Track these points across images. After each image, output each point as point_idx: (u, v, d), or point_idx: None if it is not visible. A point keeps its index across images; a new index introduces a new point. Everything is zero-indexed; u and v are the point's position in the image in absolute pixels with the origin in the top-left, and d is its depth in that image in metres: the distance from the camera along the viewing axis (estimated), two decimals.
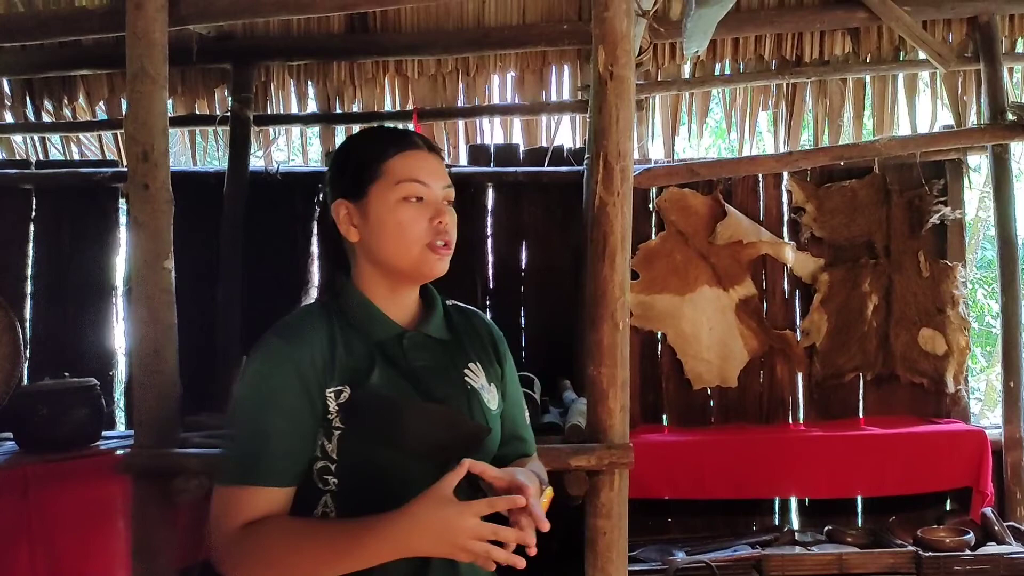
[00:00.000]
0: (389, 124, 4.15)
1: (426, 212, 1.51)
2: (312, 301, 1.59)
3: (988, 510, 3.73)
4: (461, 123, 4.29)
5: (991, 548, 3.54)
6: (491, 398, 1.59)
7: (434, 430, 1.45)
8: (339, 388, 1.42)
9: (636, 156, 3.88)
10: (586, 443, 2.60)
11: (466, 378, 1.56)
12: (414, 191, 1.50)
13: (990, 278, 8.02)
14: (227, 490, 1.39)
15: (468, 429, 1.50)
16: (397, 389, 1.46)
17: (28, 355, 3.87)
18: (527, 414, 1.79)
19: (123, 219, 4.14)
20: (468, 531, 1.28)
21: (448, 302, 1.67)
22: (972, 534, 3.56)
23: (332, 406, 1.41)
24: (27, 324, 4.05)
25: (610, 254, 2.62)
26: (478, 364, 1.61)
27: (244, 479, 1.38)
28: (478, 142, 4.28)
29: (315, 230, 4.11)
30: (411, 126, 3.87)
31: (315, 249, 4.13)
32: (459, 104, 4.22)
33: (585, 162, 3.95)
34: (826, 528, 3.79)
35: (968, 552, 3.47)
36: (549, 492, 1.49)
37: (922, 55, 4.01)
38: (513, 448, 1.68)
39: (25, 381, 3.67)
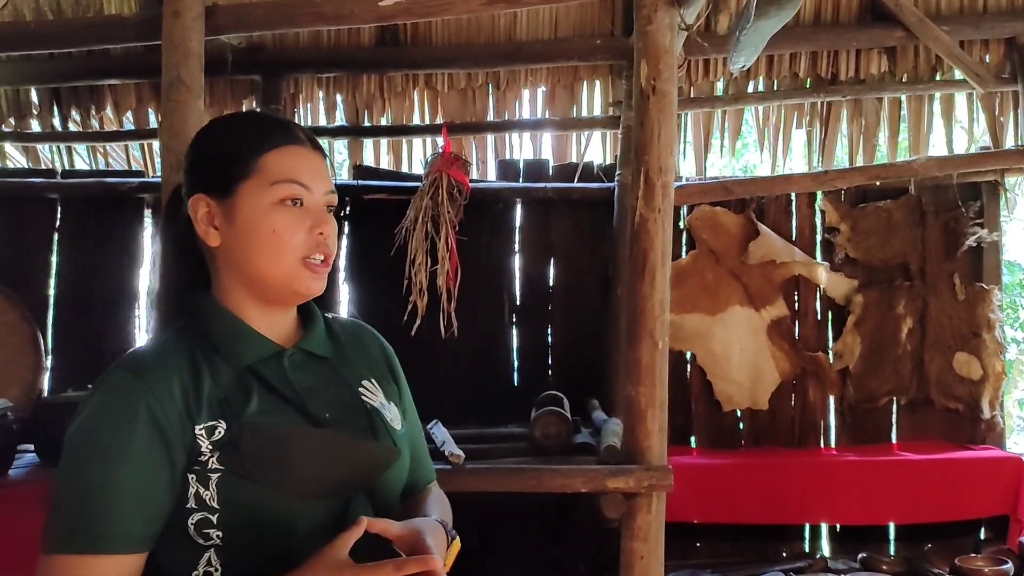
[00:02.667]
0: (420, 136, 4.22)
1: (305, 219, 1.28)
2: (159, 332, 1.34)
3: None
4: (490, 138, 4.25)
5: None
6: (394, 417, 1.39)
7: (332, 461, 1.24)
8: (211, 424, 1.19)
9: None
10: (624, 464, 2.55)
11: (363, 397, 1.35)
12: (293, 193, 1.27)
13: (1006, 303, 7.97)
14: (59, 560, 1.13)
15: (372, 455, 1.30)
16: (281, 417, 1.24)
17: (50, 365, 3.83)
18: (424, 436, 1.59)
19: (148, 230, 4.11)
20: None
21: (328, 314, 1.45)
22: (1010, 563, 3.47)
23: (205, 446, 1.18)
24: (49, 334, 4.01)
25: (650, 271, 2.59)
26: (373, 381, 1.40)
27: (82, 546, 1.12)
28: (507, 157, 4.24)
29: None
30: (441, 140, 3.83)
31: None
32: (489, 119, 4.19)
33: (616, 179, 3.91)
34: (860, 556, 3.70)
35: None
36: (456, 545, 1.32)
37: (959, 75, 3.95)
38: (416, 476, 1.49)
39: (46, 392, 3.63)
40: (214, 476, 1.17)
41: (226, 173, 1.28)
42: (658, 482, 2.49)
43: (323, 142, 4.51)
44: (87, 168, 4.43)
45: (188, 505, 1.17)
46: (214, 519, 1.17)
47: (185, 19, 2.63)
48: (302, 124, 4.11)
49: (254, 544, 1.18)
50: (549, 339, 4.09)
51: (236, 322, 1.29)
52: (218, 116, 1.44)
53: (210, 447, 1.18)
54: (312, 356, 1.34)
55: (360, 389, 1.36)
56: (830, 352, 4.07)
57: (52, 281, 4.08)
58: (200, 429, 1.18)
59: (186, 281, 1.35)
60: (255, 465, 1.18)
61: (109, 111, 4.27)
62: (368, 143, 4.27)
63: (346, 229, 4.02)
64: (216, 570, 1.19)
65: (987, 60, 4.03)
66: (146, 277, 4.08)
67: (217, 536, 1.17)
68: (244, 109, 4.17)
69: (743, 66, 2.48)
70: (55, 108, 4.26)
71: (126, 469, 1.14)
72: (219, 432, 1.19)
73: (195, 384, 1.21)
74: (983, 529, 3.91)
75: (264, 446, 1.19)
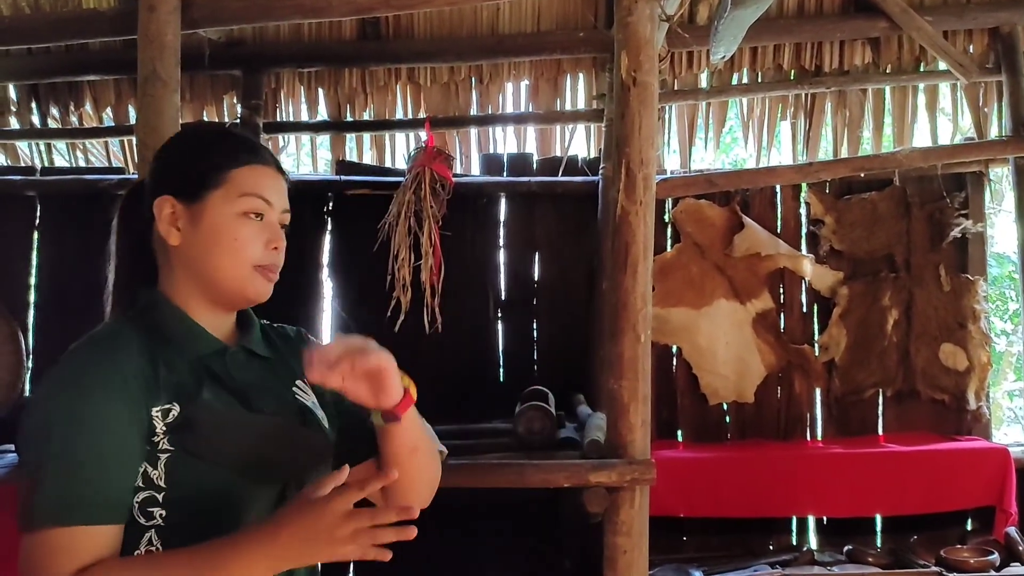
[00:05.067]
0: (402, 130, 4.19)
1: (264, 233, 1.38)
2: (109, 320, 1.41)
3: (1012, 529, 3.63)
4: (474, 132, 4.22)
5: (1016, 569, 3.45)
6: (323, 418, 1.47)
7: (274, 445, 1.32)
8: (167, 406, 1.24)
9: None
10: (606, 459, 2.53)
11: (296, 396, 1.44)
12: (257, 207, 1.37)
13: (994, 295, 7.95)
14: (48, 534, 1.14)
15: (310, 445, 1.39)
16: (228, 407, 1.31)
17: (31, 365, 3.79)
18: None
19: None
20: (344, 521, 1.14)
21: (262, 321, 1.53)
22: (996, 554, 3.47)
23: (159, 426, 1.23)
24: (30, 333, 3.97)
25: (632, 264, 2.58)
26: (305, 382, 1.47)
27: (71, 518, 1.14)
28: (491, 151, 4.21)
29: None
30: (424, 135, 3.80)
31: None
32: (472, 112, 4.16)
33: (600, 172, 3.89)
34: (846, 548, 3.69)
35: (993, 572, 3.37)
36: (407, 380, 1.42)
37: (943, 66, 3.94)
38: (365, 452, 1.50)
39: (28, 392, 3.59)
40: (163, 456, 1.23)
41: (197, 180, 1.36)
42: (640, 476, 2.47)
43: (305, 137, 4.51)
44: (66, 165, 4.39)
45: (135, 484, 1.22)
46: (160, 498, 1.23)
47: (161, 13, 2.60)
48: (283, 119, 4.15)
49: (196, 524, 1.22)
50: (535, 334, 4.07)
51: (186, 318, 1.36)
52: (190, 124, 1.53)
53: (164, 428, 1.23)
54: (252, 355, 1.42)
55: (294, 388, 1.44)
56: (816, 345, 4.06)
57: (32, 280, 4.04)
58: (156, 411, 1.23)
59: (140, 275, 1.42)
60: (206, 444, 1.24)
61: (88, 107, 4.22)
62: (350, 138, 4.24)
63: (329, 225, 3.99)
64: (157, 549, 1.23)
65: (971, 50, 4.02)
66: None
67: (160, 515, 1.23)
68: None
69: (723, 56, 2.46)
70: (34, 105, 4.22)
71: (109, 439, 1.19)
72: (173, 414, 1.24)
73: (152, 368, 1.26)
74: (969, 520, 3.90)
75: (215, 427, 1.26)
